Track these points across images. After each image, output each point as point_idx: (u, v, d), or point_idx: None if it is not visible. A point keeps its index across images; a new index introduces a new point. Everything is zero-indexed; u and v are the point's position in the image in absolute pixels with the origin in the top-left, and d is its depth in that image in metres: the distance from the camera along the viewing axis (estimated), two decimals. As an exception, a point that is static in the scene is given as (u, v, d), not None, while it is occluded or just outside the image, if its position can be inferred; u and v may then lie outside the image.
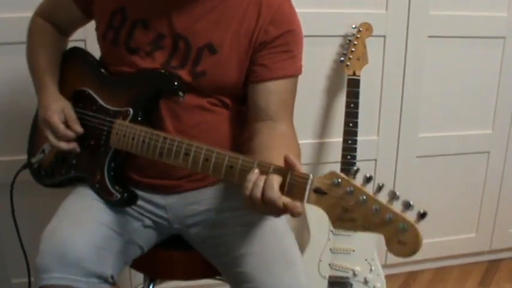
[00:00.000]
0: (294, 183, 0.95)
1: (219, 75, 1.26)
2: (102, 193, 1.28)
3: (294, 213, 0.93)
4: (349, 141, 1.90)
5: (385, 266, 2.13)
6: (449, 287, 2.35)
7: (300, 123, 1.32)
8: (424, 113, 2.18)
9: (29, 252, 1.57)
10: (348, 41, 1.97)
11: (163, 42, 1.26)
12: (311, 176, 0.93)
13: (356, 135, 1.90)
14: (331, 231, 1.94)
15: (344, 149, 1.90)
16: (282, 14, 1.26)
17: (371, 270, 1.93)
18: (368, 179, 0.88)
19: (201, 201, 1.35)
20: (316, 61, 1.97)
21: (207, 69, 1.25)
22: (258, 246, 1.23)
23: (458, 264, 2.48)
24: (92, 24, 1.38)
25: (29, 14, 1.44)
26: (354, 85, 1.92)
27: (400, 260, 2.30)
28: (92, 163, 1.30)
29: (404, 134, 2.18)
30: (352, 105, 1.90)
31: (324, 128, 2.11)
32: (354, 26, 1.94)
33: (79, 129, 1.29)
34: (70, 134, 1.29)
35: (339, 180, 0.90)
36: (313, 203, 0.93)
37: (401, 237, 0.85)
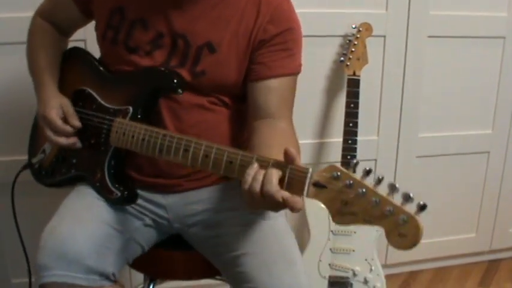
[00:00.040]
0: (293, 177, 0.94)
1: (218, 74, 1.26)
2: (103, 191, 1.28)
3: (293, 208, 0.93)
4: (349, 141, 1.90)
5: (385, 266, 2.12)
6: (449, 287, 2.35)
7: (300, 123, 1.32)
8: (424, 113, 2.18)
9: (29, 252, 1.57)
10: (348, 41, 1.97)
11: (162, 41, 1.26)
12: (310, 169, 0.93)
13: (356, 135, 1.90)
14: (331, 231, 1.94)
15: (344, 149, 1.90)
16: (281, 12, 1.26)
17: (371, 270, 1.93)
18: (367, 172, 0.88)
19: (201, 201, 1.35)
20: (316, 61, 1.98)
21: (207, 69, 1.25)
22: (258, 246, 1.23)
23: (458, 264, 2.48)
24: (91, 24, 1.38)
25: (29, 14, 1.45)
26: (354, 85, 1.91)
27: (400, 260, 2.35)
28: (92, 162, 1.30)
29: (404, 134, 2.18)
30: (352, 105, 1.90)
31: (324, 128, 2.11)
32: (354, 26, 1.94)
33: (77, 123, 1.29)
34: (68, 129, 1.29)
35: (338, 173, 0.90)
36: (312, 196, 0.92)
37: (401, 229, 0.85)
